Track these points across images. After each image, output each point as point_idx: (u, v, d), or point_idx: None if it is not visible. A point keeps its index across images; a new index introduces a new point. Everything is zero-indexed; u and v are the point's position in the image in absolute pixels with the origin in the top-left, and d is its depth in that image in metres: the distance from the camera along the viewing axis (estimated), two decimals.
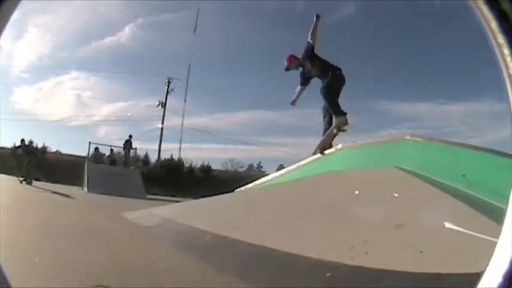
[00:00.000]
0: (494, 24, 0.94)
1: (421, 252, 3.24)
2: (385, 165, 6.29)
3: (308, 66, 9.91)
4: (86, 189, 22.93)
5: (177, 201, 15.85)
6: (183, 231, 6.73)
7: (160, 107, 41.95)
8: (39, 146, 38.79)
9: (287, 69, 10.39)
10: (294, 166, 9.57)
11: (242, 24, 49.52)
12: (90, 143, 29.72)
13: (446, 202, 4.19)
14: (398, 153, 6.46)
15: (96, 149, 29.75)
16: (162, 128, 42.16)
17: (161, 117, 41.99)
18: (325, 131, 9.44)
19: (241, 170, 44.53)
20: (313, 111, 49.78)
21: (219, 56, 52.47)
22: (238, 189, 11.12)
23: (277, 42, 47.27)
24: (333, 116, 9.28)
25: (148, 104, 52.74)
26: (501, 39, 0.93)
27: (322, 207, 5.40)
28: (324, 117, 9.65)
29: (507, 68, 0.93)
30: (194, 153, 61.63)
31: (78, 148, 54.48)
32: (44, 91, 52.46)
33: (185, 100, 40.99)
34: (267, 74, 51.06)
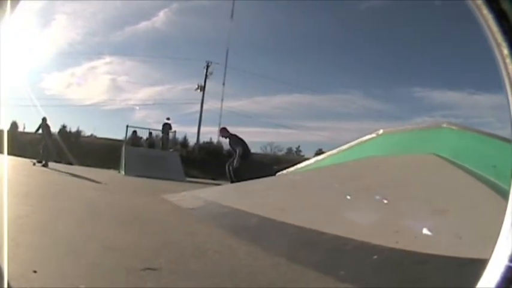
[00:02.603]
0: (493, 24, 0.92)
1: (460, 237, 3.44)
2: (424, 151, 6.45)
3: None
4: (124, 172, 22.95)
5: (217, 184, 15.95)
6: (228, 214, 6.76)
7: (199, 90, 42.32)
8: (73, 130, 39.90)
9: (218, 136, 17.89)
10: (335, 151, 9.65)
11: (280, 8, 49.00)
12: (127, 126, 29.58)
13: (480, 190, 4.35)
14: (436, 140, 6.58)
15: (134, 132, 29.56)
16: (201, 111, 42.48)
17: (200, 101, 42.36)
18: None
19: (280, 153, 44.56)
20: (351, 97, 49.67)
21: (257, 40, 52.36)
22: (280, 172, 11.15)
23: (316, 26, 46.98)
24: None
25: (186, 87, 53.24)
26: (500, 39, 0.92)
27: (364, 191, 5.55)
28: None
29: (506, 68, 0.92)
30: None
31: (114, 132, 55.09)
32: (77, 76, 53.20)
33: (224, 84, 41.29)
34: (306, 58, 50.91)
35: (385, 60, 47.96)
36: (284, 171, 11.27)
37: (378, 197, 5.07)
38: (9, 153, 18.46)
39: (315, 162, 10.28)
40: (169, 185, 15.95)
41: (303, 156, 43.19)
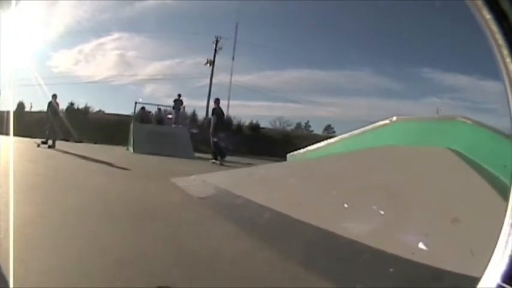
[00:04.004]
0: (493, 25, 0.92)
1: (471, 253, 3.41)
2: (436, 143, 6.52)
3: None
4: (132, 150, 22.97)
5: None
6: (241, 206, 6.66)
7: (208, 65, 42.41)
8: (81, 106, 39.91)
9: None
10: (346, 135, 9.63)
11: None
12: (136, 103, 29.76)
13: (490, 195, 4.25)
14: (449, 132, 6.63)
15: (143, 108, 29.58)
16: (210, 86, 42.45)
17: (209, 75, 42.34)
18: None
19: (289, 128, 44.79)
20: (361, 74, 49.51)
21: (267, 15, 51.88)
22: (291, 153, 11.11)
23: (328, 2, 46.29)
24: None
25: (195, 62, 53.05)
26: (500, 39, 0.92)
27: (381, 189, 5.47)
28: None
29: (506, 68, 0.92)
30: (242, 111, 61.99)
31: (123, 107, 55.12)
32: (85, 53, 53.31)
33: (233, 58, 41.41)
34: (316, 33, 50.38)
35: (396, 38, 47.47)
36: (295, 153, 11.17)
37: (393, 201, 5.09)
38: (15, 135, 18.37)
39: (326, 145, 10.15)
40: (179, 163, 15.87)
41: (312, 131, 43.70)
